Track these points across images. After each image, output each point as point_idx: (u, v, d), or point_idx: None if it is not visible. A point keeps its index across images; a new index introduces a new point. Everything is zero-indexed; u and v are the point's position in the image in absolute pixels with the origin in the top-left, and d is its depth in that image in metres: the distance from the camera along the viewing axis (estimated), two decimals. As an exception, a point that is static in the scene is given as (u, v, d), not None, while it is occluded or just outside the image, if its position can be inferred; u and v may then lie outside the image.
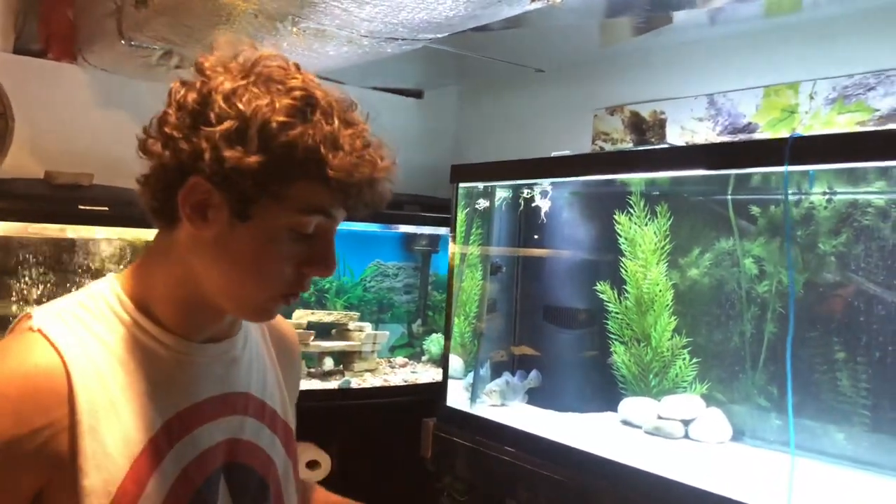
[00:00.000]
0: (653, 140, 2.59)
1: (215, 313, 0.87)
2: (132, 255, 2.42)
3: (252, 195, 0.78)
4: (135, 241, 2.42)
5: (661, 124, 2.58)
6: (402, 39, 1.77)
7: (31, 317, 0.81)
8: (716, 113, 2.38)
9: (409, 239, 3.12)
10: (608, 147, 2.65)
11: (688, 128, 2.46)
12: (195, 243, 0.83)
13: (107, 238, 2.37)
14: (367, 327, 2.88)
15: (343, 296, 3.00)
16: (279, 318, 1.08)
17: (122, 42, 2.11)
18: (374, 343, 2.89)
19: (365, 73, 3.08)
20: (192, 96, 0.78)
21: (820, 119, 2.07)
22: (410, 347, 3.13)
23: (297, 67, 0.83)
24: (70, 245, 2.34)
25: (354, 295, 3.02)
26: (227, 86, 0.77)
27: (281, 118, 0.76)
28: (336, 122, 0.79)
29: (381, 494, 2.84)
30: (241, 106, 0.76)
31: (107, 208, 2.15)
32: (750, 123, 2.26)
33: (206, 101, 0.77)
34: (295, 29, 1.70)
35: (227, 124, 0.76)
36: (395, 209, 2.93)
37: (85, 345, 0.80)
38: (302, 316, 2.78)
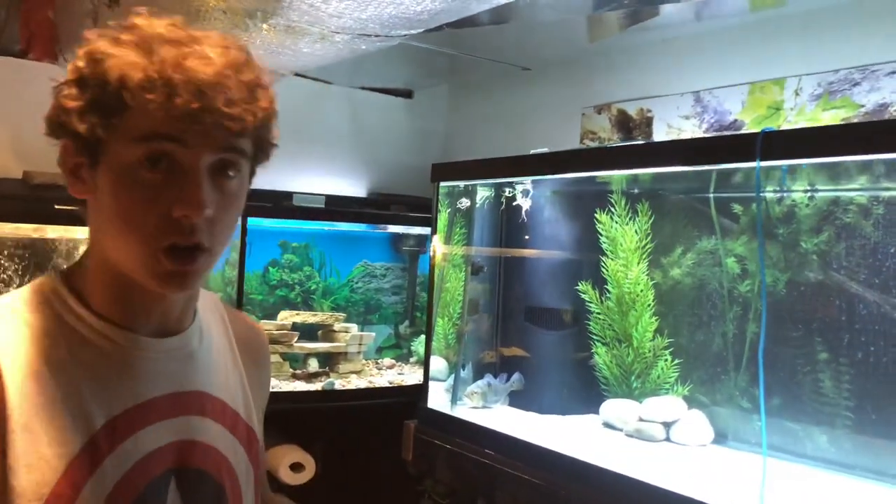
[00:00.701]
0: (640, 139, 2.55)
1: (147, 294, 0.82)
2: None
3: (92, 136, 0.76)
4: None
5: (647, 122, 2.55)
6: (376, 36, 1.75)
7: None
8: (702, 110, 2.34)
9: (397, 239, 3.10)
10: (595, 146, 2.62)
11: (674, 126, 2.43)
12: (91, 215, 0.81)
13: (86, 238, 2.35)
14: (353, 328, 2.86)
15: (330, 297, 2.97)
16: (247, 321, 1.05)
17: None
18: (359, 344, 2.86)
19: (354, 73, 3.07)
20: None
21: (805, 115, 2.03)
22: (398, 349, 3.11)
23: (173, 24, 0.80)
24: (50, 245, 2.32)
25: (341, 296, 3.00)
26: (85, 48, 0.78)
27: (102, 53, 0.76)
28: (158, 45, 0.76)
29: (364, 498, 2.83)
30: (83, 57, 0.77)
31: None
32: (736, 121, 2.23)
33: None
34: (265, 25, 1.68)
35: (71, 76, 0.78)
36: (382, 209, 2.92)
37: (21, 339, 0.77)
38: (287, 317, 2.76)
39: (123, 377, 0.81)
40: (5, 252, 2.22)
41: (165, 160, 0.76)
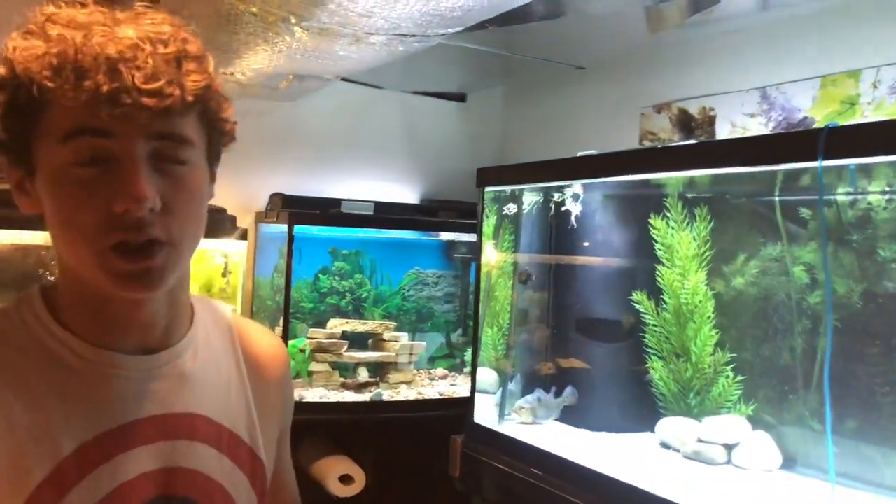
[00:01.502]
0: (702, 139, 2.40)
1: (116, 305, 0.76)
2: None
3: (19, 144, 0.72)
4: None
5: (710, 121, 2.39)
6: (412, 36, 1.68)
7: None
8: (769, 107, 2.18)
9: (449, 247, 3.02)
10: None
11: (739, 124, 2.27)
12: (48, 228, 0.75)
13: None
14: (403, 337, 2.80)
15: (381, 305, 2.92)
16: (262, 336, 0.97)
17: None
18: (410, 354, 2.80)
19: (405, 78, 3.02)
20: None
21: (885, 110, 1.85)
22: (451, 358, 3.03)
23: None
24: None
25: (393, 304, 2.95)
26: None
27: (9, 49, 0.70)
28: (63, 33, 0.69)
29: (412, 513, 2.76)
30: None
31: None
32: (806, 118, 2.06)
33: None
34: (298, 29, 1.64)
35: None
36: (431, 216, 2.85)
37: None
38: (336, 325, 2.73)
39: (98, 399, 0.75)
40: (53, 262, 2.25)
41: (98, 155, 0.70)
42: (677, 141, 2.45)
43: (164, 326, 0.81)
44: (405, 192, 3.14)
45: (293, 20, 1.61)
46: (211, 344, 0.87)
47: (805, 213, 1.71)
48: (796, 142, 1.36)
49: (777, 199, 1.77)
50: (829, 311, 1.43)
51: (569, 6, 2.08)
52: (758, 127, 2.20)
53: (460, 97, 3.29)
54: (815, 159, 1.18)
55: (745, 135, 2.21)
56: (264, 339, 0.96)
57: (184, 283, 0.83)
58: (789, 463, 1.72)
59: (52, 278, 2.25)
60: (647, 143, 2.58)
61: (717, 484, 1.65)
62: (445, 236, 2.96)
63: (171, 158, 0.73)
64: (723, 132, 2.31)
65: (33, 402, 0.72)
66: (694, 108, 2.42)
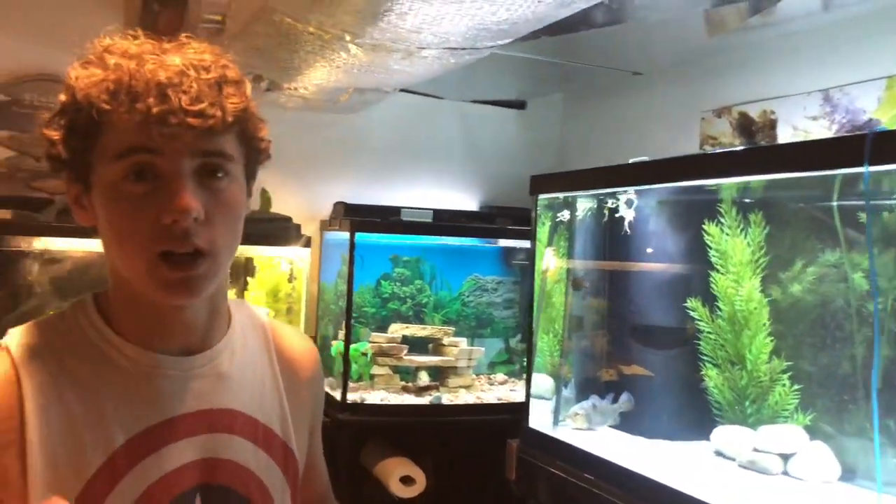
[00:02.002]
0: (763, 143, 2.36)
1: (162, 310, 0.84)
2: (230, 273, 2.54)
3: (79, 163, 0.80)
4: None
5: (771, 125, 2.35)
6: (462, 49, 1.73)
7: (9, 333, 0.83)
8: (831, 110, 2.13)
9: (508, 253, 3.05)
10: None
11: (801, 128, 2.23)
12: (101, 240, 0.83)
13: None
14: (462, 342, 2.84)
15: (441, 310, 2.98)
16: (294, 338, 1.04)
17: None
18: (469, 359, 2.84)
19: (465, 87, 3.08)
20: None
21: (955, 111, 1.79)
22: (511, 364, 3.05)
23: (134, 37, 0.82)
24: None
25: (452, 309, 3.00)
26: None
27: (70, 78, 0.79)
28: (119, 62, 0.78)
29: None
30: (63, 89, 0.81)
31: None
32: (871, 120, 2.00)
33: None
34: (353, 45, 1.71)
35: (52, 111, 0.82)
36: (488, 222, 2.89)
37: (44, 360, 0.80)
38: (396, 330, 2.80)
39: (145, 396, 0.83)
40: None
41: (148, 171, 0.78)
42: (738, 146, 2.41)
43: (203, 330, 0.88)
44: (464, 199, 3.19)
45: (348, 38, 1.69)
46: (247, 345, 0.95)
47: (864, 217, 1.67)
48: (839, 148, 1.34)
49: (835, 203, 1.74)
50: (876, 318, 1.40)
51: (627, 14, 2.08)
52: (820, 130, 2.15)
53: (520, 104, 3.32)
54: (860, 165, 1.16)
55: (808, 138, 2.16)
56: (296, 340, 1.04)
57: (222, 290, 0.91)
58: (848, 475, 1.68)
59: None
60: (708, 148, 2.55)
61: (772, 494, 1.62)
62: (504, 243, 2.99)
63: (212, 174, 0.80)
64: (784, 136, 2.27)
65: (89, 399, 0.80)
66: (755, 112, 2.38)
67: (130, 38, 0.81)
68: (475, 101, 3.22)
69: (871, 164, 1.16)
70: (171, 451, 0.83)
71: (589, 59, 2.58)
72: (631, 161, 1.90)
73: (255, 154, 0.87)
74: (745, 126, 2.44)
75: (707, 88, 2.53)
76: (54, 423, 0.78)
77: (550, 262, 2.30)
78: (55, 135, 0.80)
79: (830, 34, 2.11)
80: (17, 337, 0.82)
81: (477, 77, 2.86)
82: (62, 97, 0.81)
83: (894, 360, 1.50)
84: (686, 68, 2.61)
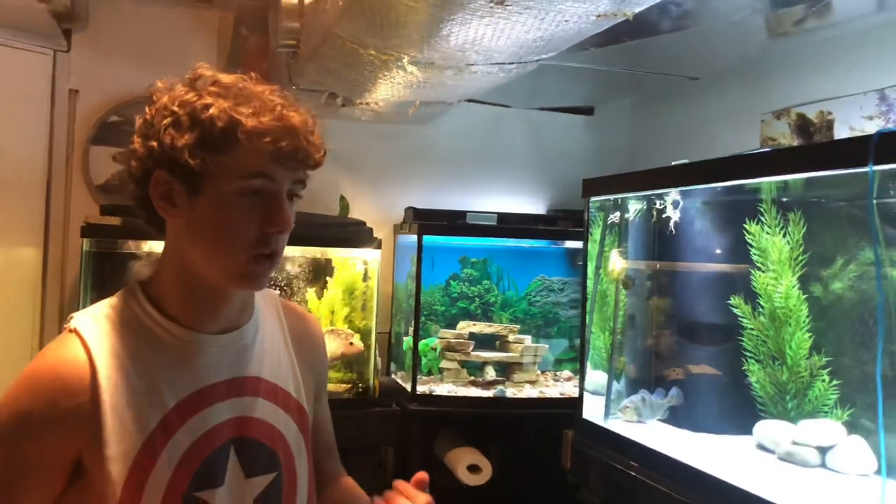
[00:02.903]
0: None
1: (217, 297, 1.03)
2: (312, 272, 2.77)
3: (196, 170, 0.95)
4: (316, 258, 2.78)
5: (828, 126, 2.37)
6: (509, 64, 1.87)
7: (73, 318, 1.01)
8: (887, 109, 2.14)
9: (573, 254, 3.16)
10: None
11: (857, 127, 2.24)
12: (177, 232, 1.02)
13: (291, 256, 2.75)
14: (527, 340, 2.97)
15: (508, 309, 3.12)
16: (299, 313, 1.24)
17: (294, 87, 2.46)
18: (534, 355, 2.96)
19: (532, 96, 3.21)
20: (146, 114, 1.01)
21: None
22: (576, 361, 3.15)
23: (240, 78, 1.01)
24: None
25: (519, 308, 3.13)
26: (168, 97, 0.99)
27: (203, 102, 0.95)
28: (250, 99, 0.96)
29: (528, 502, 2.90)
30: (176, 104, 0.97)
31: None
32: (925, 118, 2.01)
33: (155, 111, 0.99)
34: (408, 65, 1.89)
35: (167, 120, 0.97)
36: (550, 225, 3.00)
37: (109, 339, 0.98)
38: (464, 327, 2.96)
39: (189, 367, 1.02)
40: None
41: (260, 190, 0.99)
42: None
43: (238, 313, 1.09)
44: (532, 204, 3.32)
45: (404, 59, 1.87)
46: (266, 322, 1.15)
47: (901, 216, 1.69)
48: (846, 148, 1.40)
49: (874, 201, 1.76)
50: (881, 317, 1.44)
51: (688, 21, 2.15)
52: (877, 130, 2.15)
53: (588, 110, 3.42)
54: (865, 165, 1.23)
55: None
56: (300, 316, 1.25)
57: None
58: (888, 470, 1.70)
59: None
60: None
61: (808, 485, 1.67)
62: (569, 244, 3.10)
63: (292, 196, 1.03)
64: (842, 136, 2.28)
65: (146, 371, 1.00)
66: (812, 113, 2.40)
67: (244, 77, 1.02)
68: (543, 109, 3.34)
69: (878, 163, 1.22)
70: (211, 411, 1.02)
71: (648, 65, 2.66)
72: (672, 164, 1.99)
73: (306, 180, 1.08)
74: (803, 127, 2.46)
75: (767, 91, 2.56)
76: (120, 389, 0.96)
77: (602, 263, 2.40)
78: (181, 142, 0.95)
79: (885, 34, 2.12)
80: (83, 322, 0.99)
81: (544, 86, 2.98)
82: (178, 112, 0.96)
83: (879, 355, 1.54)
84: (745, 71, 2.65)
